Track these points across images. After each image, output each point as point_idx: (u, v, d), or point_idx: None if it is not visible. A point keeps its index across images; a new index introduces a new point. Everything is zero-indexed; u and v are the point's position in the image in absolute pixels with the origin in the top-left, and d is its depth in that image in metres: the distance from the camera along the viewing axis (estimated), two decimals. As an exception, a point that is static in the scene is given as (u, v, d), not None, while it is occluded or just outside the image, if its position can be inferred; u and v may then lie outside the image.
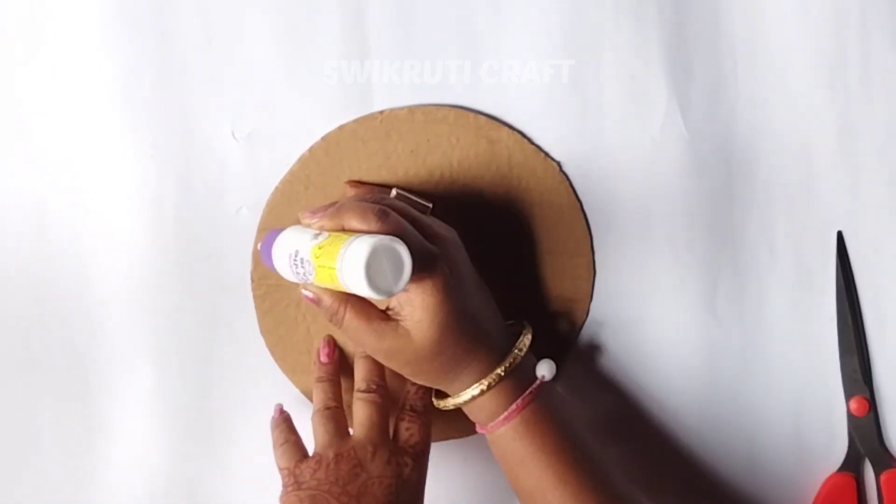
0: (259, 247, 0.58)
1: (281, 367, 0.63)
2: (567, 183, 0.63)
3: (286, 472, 0.58)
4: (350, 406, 0.60)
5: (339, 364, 0.62)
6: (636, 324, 0.64)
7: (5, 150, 0.62)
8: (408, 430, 0.58)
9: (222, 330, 0.63)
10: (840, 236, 0.63)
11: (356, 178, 0.62)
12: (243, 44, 0.62)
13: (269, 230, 0.58)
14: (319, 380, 0.61)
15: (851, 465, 0.64)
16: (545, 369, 0.56)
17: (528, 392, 0.55)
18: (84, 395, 0.64)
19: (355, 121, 0.62)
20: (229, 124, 0.63)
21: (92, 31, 0.62)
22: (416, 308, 0.52)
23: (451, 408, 0.57)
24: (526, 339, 0.56)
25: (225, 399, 0.64)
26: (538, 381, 0.55)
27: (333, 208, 0.53)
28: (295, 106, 0.62)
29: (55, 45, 0.62)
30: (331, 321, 0.55)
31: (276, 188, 0.62)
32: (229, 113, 0.62)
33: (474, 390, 0.55)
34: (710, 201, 0.63)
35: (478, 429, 0.57)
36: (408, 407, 0.59)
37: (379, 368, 0.61)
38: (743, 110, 0.63)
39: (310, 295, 0.55)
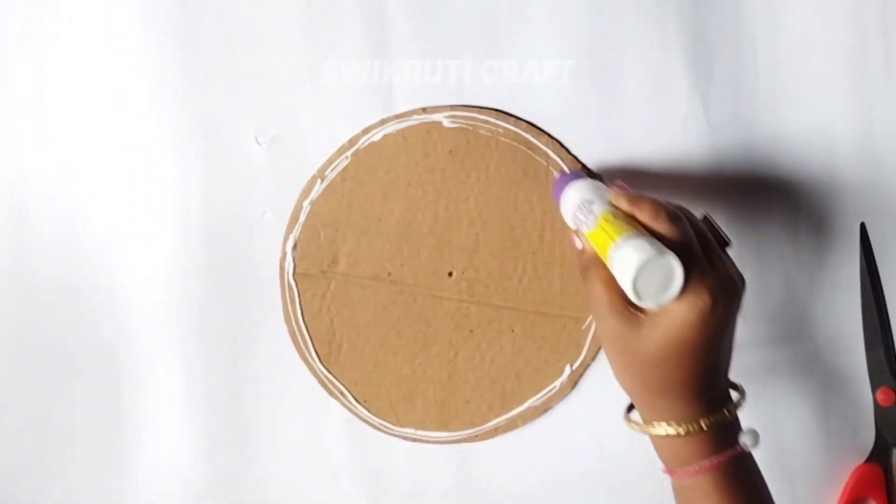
0: (557, 176, 0.60)
1: (301, 356, 0.64)
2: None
3: None
4: None
5: None
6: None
7: (31, 158, 0.63)
8: None
9: (250, 332, 0.64)
10: (863, 228, 0.64)
11: (393, 172, 0.63)
12: (265, 48, 0.62)
13: (569, 172, 0.61)
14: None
15: (879, 455, 0.64)
16: (749, 439, 0.53)
17: (726, 456, 0.52)
18: (116, 399, 0.64)
19: (396, 116, 0.62)
20: (253, 129, 0.63)
21: (115, 38, 0.62)
22: (666, 315, 0.50)
23: (637, 431, 0.54)
24: (739, 403, 0.54)
25: (254, 400, 0.64)
26: (739, 449, 0.53)
27: (634, 194, 0.54)
28: (317, 109, 0.63)
29: (78, 52, 0.62)
30: (580, 273, 0.55)
31: (314, 175, 0.63)
32: (252, 118, 0.63)
33: (669, 429, 0.52)
34: (734, 195, 0.63)
35: (663, 469, 0.55)
36: None
37: None
38: (764, 104, 0.63)
39: (577, 242, 0.55)
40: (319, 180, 0.63)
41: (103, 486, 0.65)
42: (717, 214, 0.63)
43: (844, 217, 0.64)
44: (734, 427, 0.53)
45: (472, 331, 0.63)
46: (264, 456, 0.64)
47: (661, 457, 0.54)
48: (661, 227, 0.51)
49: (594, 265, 0.54)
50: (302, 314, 0.63)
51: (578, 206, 0.56)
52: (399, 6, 0.62)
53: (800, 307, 0.64)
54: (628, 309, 0.51)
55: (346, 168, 0.63)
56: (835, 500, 0.64)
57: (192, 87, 0.63)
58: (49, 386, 0.64)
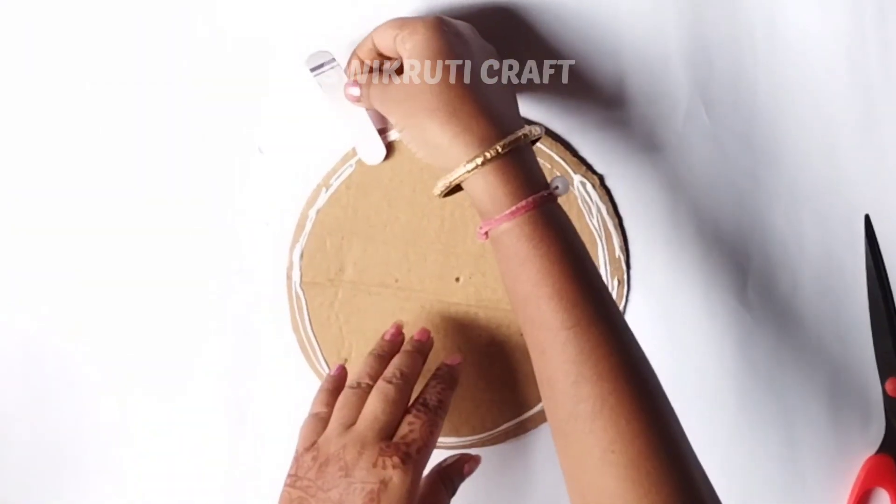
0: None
1: (310, 365, 0.64)
2: (608, 197, 0.63)
3: (296, 454, 0.56)
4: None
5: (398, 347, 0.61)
6: (668, 316, 0.64)
7: (26, 165, 0.63)
8: (410, 425, 0.55)
9: (258, 342, 0.64)
10: (867, 219, 0.64)
11: (398, 179, 0.63)
12: (266, 57, 0.62)
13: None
14: (371, 353, 0.60)
15: (889, 446, 0.64)
16: (560, 183, 0.58)
17: (540, 194, 0.52)
18: (121, 408, 0.64)
19: None
20: (255, 139, 0.63)
21: (113, 49, 0.62)
22: (418, 38, 0.54)
23: (447, 187, 0.54)
24: (535, 130, 0.54)
25: (264, 410, 0.64)
26: (552, 190, 0.53)
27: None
28: (321, 117, 0.63)
29: (75, 61, 0.62)
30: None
31: (319, 184, 0.63)
32: (255, 127, 0.63)
33: (469, 164, 0.51)
34: (737, 191, 0.63)
35: (482, 226, 0.53)
36: (420, 400, 0.57)
37: (414, 362, 0.59)
38: (764, 98, 0.63)
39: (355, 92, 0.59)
40: (324, 189, 0.63)
41: (108, 498, 0.65)
42: (722, 210, 0.63)
43: (848, 209, 0.64)
44: (542, 171, 0.53)
45: (480, 335, 0.63)
46: (275, 465, 0.64)
47: (481, 210, 0.53)
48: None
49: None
50: (310, 323, 0.63)
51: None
52: (394, 9, 0.62)
53: (806, 300, 0.64)
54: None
55: (350, 176, 0.62)
56: (846, 491, 0.64)
57: (193, 96, 0.62)
58: (53, 397, 0.64)
